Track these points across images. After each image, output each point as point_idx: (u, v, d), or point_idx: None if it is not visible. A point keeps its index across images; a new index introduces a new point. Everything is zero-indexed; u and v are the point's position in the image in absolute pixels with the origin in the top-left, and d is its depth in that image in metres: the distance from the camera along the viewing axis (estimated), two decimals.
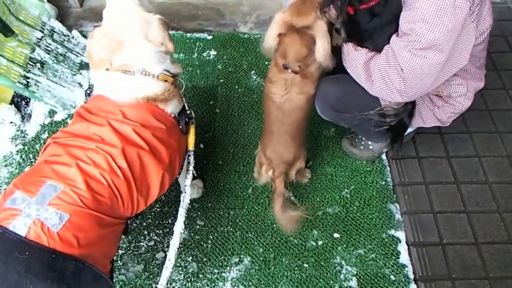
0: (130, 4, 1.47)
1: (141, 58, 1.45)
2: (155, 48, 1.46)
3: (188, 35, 2.79)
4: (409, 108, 1.82)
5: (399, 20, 1.55)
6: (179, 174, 1.62)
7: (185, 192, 1.62)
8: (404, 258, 1.93)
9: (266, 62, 2.62)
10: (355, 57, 1.67)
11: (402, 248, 1.96)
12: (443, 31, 1.41)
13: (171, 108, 1.53)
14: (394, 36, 1.56)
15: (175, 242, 1.53)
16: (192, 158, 1.66)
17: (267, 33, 1.65)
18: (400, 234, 1.99)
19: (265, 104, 1.84)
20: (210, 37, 2.77)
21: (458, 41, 1.47)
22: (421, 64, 1.49)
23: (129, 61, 1.45)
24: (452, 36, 1.44)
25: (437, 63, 1.49)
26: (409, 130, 2.11)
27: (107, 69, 1.46)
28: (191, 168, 1.66)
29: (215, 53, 2.69)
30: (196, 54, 2.68)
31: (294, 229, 1.94)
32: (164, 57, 1.51)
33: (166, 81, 1.50)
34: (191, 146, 1.66)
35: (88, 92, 1.55)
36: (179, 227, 1.55)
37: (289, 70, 1.67)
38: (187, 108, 1.65)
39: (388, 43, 1.59)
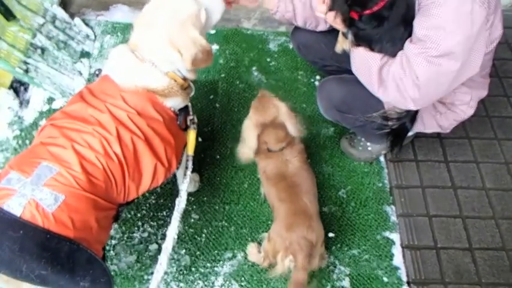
0: (187, 4, 1.45)
1: (152, 48, 1.42)
2: (170, 50, 1.42)
3: None
4: (412, 113, 1.81)
5: (408, 22, 1.53)
6: (177, 169, 1.60)
7: (181, 196, 1.59)
8: (398, 260, 1.92)
9: (268, 59, 2.62)
10: (368, 64, 1.64)
11: (396, 250, 1.95)
12: (460, 39, 1.39)
13: (171, 103, 1.50)
14: (407, 43, 1.52)
15: (167, 246, 1.48)
16: (190, 163, 1.64)
17: (247, 141, 1.77)
18: (395, 237, 1.99)
19: (269, 184, 1.77)
20: (213, 31, 2.76)
21: (473, 49, 1.45)
22: (436, 72, 1.47)
23: (145, 47, 1.42)
24: (468, 44, 1.42)
25: (452, 71, 1.47)
26: (409, 133, 2.11)
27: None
28: (189, 173, 1.63)
29: (217, 47, 2.67)
30: None
31: None
32: (177, 60, 1.44)
33: (175, 80, 1.47)
34: (190, 151, 1.64)
35: (97, 72, 1.53)
36: (173, 231, 1.50)
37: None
38: (191, 113, 1.62)
39: (398, 46, 1.57)
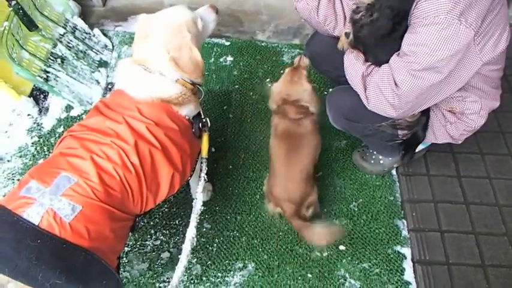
0: (181, 13, 1.53)
1: (157, 61, 1.47)
2: (164, 52, 1.47)
3: (206, 39, 2.82)
4: (423, 121, 1.82)
5: (402, 35, 1.57)
6: (190, 176, 1.64)
7: (197, 198, 1.63)
8: (408, 275, 1.91)
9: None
10: (355, 69, 1.72)
11: (407, 265, 1.94)
12: (443, 56, 1.44)
13: (186, 111, 1.55)
14: (394, 56, 1.59)
15: (186, 246, 1.53)
16: (204, 165, 1.67)
17: (270, 103, 1.98)
18: (406, 251, 1.98)
19: (275, 139, 1.90)
20: (227, 43, 2.81)
21: (459, 65, 1.50)
22: (418, 84, 1.53)
23: (148, 59, 1.48)
24: (452, 61, 1.47)
25: (434, 84, 1.53)
26: (421, 147, 2.11)
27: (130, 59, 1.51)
28: (203, 175, 1.66)
29: (232, 59, 2.72)
30: (213, 59, 2.72)
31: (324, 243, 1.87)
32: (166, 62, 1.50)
33: (184, 86, 1.52)
34: (204, 153, 1.68)
35: (109, 87, 1.58)
36: (190, 232, 1.55)
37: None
38: (202, 116, 1.66)
39: (388, 56, 1.62)
